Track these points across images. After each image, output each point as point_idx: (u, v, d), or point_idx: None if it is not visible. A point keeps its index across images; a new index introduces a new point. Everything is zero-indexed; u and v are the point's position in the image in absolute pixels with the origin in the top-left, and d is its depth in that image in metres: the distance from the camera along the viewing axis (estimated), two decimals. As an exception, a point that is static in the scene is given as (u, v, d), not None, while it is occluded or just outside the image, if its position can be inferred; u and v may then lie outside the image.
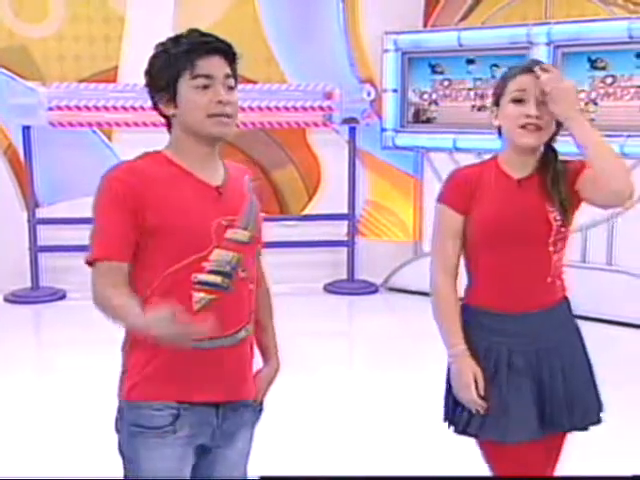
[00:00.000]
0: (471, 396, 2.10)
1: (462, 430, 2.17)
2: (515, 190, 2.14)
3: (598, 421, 2.21)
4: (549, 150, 2.16)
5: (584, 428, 2.21)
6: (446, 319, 2.18)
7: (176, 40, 1.83)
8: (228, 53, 1.84)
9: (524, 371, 2.12)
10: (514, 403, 2.09)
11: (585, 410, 2.18)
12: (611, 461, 3.49)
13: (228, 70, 1.83)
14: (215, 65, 1.81)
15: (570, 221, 2.13)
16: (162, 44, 1.84)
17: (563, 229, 2.11)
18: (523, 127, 2.07)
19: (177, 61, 1.80)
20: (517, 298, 2.14)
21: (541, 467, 2.16)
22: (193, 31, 1.85)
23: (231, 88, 1.84)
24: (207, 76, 1.80)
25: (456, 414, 2.17)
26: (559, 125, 2.11)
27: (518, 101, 2.08)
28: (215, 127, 1.81)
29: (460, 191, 2.17)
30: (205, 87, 1.80)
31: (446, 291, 2.18)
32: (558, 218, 2.09)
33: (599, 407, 2.23)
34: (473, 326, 2.17)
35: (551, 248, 2.11)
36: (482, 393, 2.10)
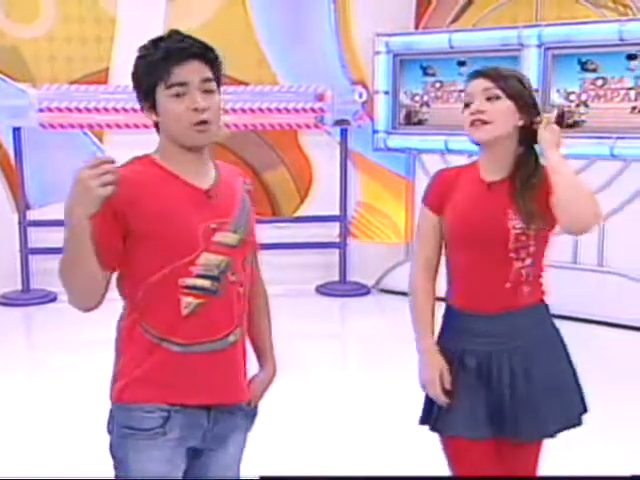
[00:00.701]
0: (435, 391, 2.16)
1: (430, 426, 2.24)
2: (484, 193, 2.15)
3: (551, 435, 2.15)
4: (528, 152, 2.16)
5: (531, 440, 2.16)
6: (417, 312, 2.24)
7: (155, 45, 1.79)
8: (206, 57, 1.80)
9: (476, 371, 2.14)
10: (461, 400, 2.14)
11: (536, 421, 2.11)
12: (602, 460, 3.50)
13: (206, 74, 1.79)
14: (190, 71, 1.77)
15: (534, 231, 2.08)
16: (143, 48, 1.82)
17: (524, 238, 2.08)
18: (472, 124, 2.12)
19: (153, 70, 1.78)
20: (479, 300, 2.16)
21: (494, 470, 2.16)
22: (172, 34, 1.82)
23: (210, 92, 1.80)
24: (181, 84, 1.77)
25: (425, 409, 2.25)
26: (532, 125, 2.12)
27: (468, 105, 2.15)
28: (194, 137, 1.79)
29: (436, 191, 2.23)
30: (180, 95, 1.77)
31: (420, 285, 2.25)
32: (518, 226, 2.07)
33: (566, 419, 2.17)
34: (446, 324, 2.23)
35: (512, 255, 2.09)
36: (448, 387, 2.15)
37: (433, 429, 2.22)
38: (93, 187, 1.60)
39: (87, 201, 1.61)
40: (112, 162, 1.64)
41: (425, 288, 2.25)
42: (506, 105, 2.10)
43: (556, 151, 2.05)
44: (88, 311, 1.81)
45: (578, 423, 2.19)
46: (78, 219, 1.63)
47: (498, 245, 2.09)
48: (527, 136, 2.13)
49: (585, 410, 2.21)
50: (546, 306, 2.22)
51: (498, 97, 2.10)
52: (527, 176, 2.10)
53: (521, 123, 2.11)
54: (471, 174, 2.20)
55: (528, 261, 2.11)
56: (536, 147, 2.14)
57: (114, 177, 1.62)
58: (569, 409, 2.18)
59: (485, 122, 2.10)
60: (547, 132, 2.06)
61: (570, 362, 2.22)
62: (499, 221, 2.08)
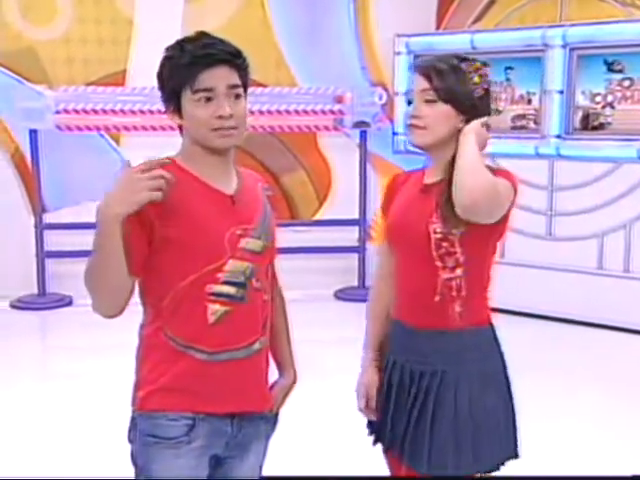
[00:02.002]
0: (359, 404, 2.16)
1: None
2: (416, 196, 2.02)
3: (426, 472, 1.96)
4: None
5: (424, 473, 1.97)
6: (366, 323, 2.21)
7: (181, 48, 1.77)
8: (234, 62, 1.78)
9: (397, 387, 2.04)
10: (386, 411, 2.08)
11: (433, 456, 1.94)
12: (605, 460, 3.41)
13: (233, 80, 1.77)
14: (217, 77, 1.75)
15: (458, 236, 1.91)
16: (170, 49, 1.79)
17: (446, 244, 1.92)
18: (409, 127, 1.98)
19: (179, 74, 1.75)
20: (408, 310, 2.04)
21: None
22: (200, 36, 1.78)
23: (238, 96, 1.78)
24: (208, 89, 1.75)
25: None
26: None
27: (410, 102, 2.00)
28: (219, 140, 1.77)
29: (384, 197, 2.17)
30: (207, 100, 1.75)
31: (372, 295, 2.20)
32: (439, 230, 1.92)
33: (475, 464, 1.94)
34: (390, 332, 2.13)
35: (438, 263, 1.94)
36: (373, 405, 2.13)
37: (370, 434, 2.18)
38: (141, 188, 1.59)
39: (129, 201, 1.60)
40: (165, 164, 1.63)
41: (375, 297, 2.18)
42: (442, 109, 1.94)
43: (470, 137, 1.88)
44: (111, 317, 1.76)
45: (493, 469, 1.98)
46: (114, 217, 1.61)
47: (422, 250, 1.95)
48: None
49: (516, 455, 2.01)
50: (487, 330, 2.04)
51: (435, 100, 1.94)
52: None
53: (462, 125, 1.94)
54: (418, 177, 2.07)
55: (458, 271, 1.94)
56: None
57: (165, 184, 1.61)
58: (482, 452, 1.94)
59: (420, 127, 1.95)
60: (475, 124, 1.91)
61: (507, 400, 2.02)
62: (422, 225, 1.95)
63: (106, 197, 1.61)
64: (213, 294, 1.77)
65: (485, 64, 2.02)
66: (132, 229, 1.69)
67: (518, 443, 2.03)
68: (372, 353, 2.17)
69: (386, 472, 2.24)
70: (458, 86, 1.94)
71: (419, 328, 2.01)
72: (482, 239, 1.95)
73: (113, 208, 1.60)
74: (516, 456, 2.02)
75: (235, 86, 1.77)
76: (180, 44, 1.77)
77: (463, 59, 1.99)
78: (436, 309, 1.97)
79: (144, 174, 1.60)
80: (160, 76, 1.80)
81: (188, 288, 1.76)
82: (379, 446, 2.16)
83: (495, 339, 2.05)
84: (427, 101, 1.94)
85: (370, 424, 2.18)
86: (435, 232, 1.92)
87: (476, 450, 1.94)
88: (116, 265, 1.67)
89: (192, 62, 1.73)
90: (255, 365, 1.87)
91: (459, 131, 1.94)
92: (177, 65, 1.75)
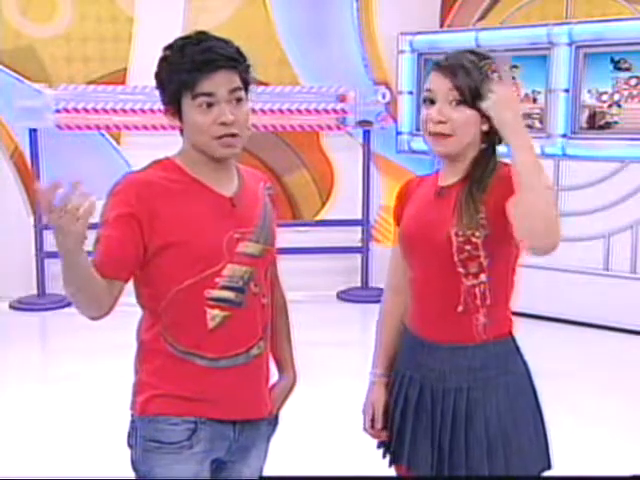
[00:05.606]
0: (365, 423, 2.06)
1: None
2: (432, 199, 1.90)
3: None
4: (488, 151, 1.87)
5: None
6: (376, 337, 2.10)
7: (180, 50, 1.72)
8: (235, 65, 1.74)
9: (416, 403, 1.93)
10: (403, 429, 1.96)
11: (472, 472, 1.87)
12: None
13: (235, 83, 1.74)
14: (218, 82, 1.71)
15: (482, 239, 1.79)
16: (168, 49, 1.74)
17: (469, 247, 1.79)
18: (432, 135, 1.83)
19: (179, 79, 1.71)
20: (427, 324, 1.92)
21: None
22: (200, 38, 1.73)
23: (239, 100, 1.74)
24: (209, 94, 1.71)
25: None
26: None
27: (428, 102, 1.84)
28: (220, 149, 1.75)
29: (396, 203, 2.06)
30: (208, 105, 1.72)
31: (383, 308, 2.10)
32: (461, 234, 1.79)
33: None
34: (403, 344, 2.02)
35: (460, 269, 1.82)
36: (379, 426, 2.02)
37: (384, 455, 2.07)
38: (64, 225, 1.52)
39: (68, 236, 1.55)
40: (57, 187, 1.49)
41: (387, 309, 2.08)
42: (469, 113, 1.81)
43: (526, 144, 1.67)
44: (97, 319, 1.73)
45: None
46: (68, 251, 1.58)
47: (442, 257, 1.82)
48: (491, 137, 1.85)
49: (549, 466, 1.92)
50: (509, 342, 1.93)
51: (461, 101, 1.81)
52: (480, 177, 1.83)
53: (485, 128, 1.83)
54: (431, 181, 1.96)
55: (482, 277, 1.83)
56: (499, 148, 1.86)
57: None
58: (513, 466, 1.87)
59: (446, 135, 1.81)
60: (502, 108, 1.68)
61: (535, 410, 1.93)
62: (441, 229, 1.82)
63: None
64: (212, 299, 1.75)
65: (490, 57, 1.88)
66: (127, 234, 1.68)
67: (550, 453, 1.93)
68: (381, 370, 2.06)
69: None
70: (487, 88, 1.78)
71: (439, 343, 1.90)
72: (506, 240, 1.78)
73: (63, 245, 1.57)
74: (549, 467, 1.92)
75: (236, 89, 1.73)
76: (179, 46, 1.73)
77: (480, 55, 1.85)
78: (458, 321, 1.86)
79: (56, 214, 1.50)
80: (158, 77, 1.77)
81: (186, 292, 1.74)
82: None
83: (517, 349, 1.95)
84: (456, 102, 1.81)
85: (383, 443, 2.07)
86: (457, 235, 1.80)
87: (508, 464, 1.85)
88: (86, 283, 1.63)
89: (192, 68, 1.69)
90: (255, 370, 1.85)
91: (484, 133, 1.83)
92: (177, 70, 1.71)
